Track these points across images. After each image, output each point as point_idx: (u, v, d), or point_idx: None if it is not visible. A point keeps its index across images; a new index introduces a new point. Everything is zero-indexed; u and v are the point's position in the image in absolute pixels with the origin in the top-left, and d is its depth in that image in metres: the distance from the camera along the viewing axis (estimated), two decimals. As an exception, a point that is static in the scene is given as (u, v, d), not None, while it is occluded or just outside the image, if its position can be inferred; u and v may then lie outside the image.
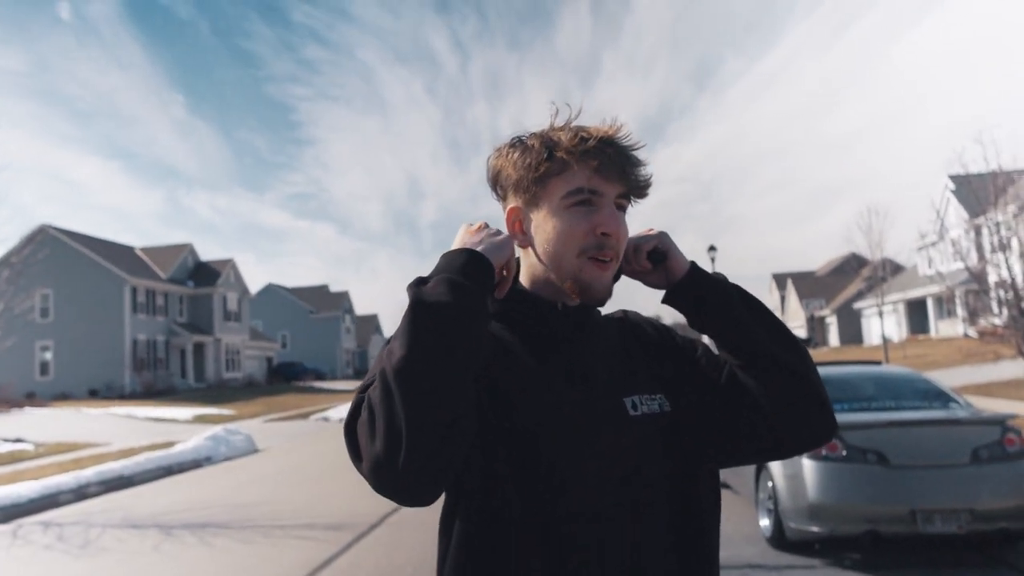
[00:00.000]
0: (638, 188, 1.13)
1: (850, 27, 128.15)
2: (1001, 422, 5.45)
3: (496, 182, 1.19)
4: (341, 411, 23.90)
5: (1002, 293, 10.27)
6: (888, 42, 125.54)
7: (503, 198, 1.20)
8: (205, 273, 45.88)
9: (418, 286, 0.99)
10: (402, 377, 0.91)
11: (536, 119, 1.20)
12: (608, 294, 1.16)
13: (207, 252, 56.11)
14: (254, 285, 54.59)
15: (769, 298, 72.42)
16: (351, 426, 0.96)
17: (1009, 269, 10.06)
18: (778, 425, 1.15)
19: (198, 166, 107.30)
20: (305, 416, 24.61)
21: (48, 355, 37.92)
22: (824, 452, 5.34)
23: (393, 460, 0.89)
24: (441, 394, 0.91)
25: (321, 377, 54.25)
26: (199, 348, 44.00)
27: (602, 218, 1.10)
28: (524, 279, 1.20)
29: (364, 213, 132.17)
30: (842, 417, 5.73)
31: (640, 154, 1.13)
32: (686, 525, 1.14)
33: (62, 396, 34.37)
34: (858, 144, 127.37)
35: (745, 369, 1.16)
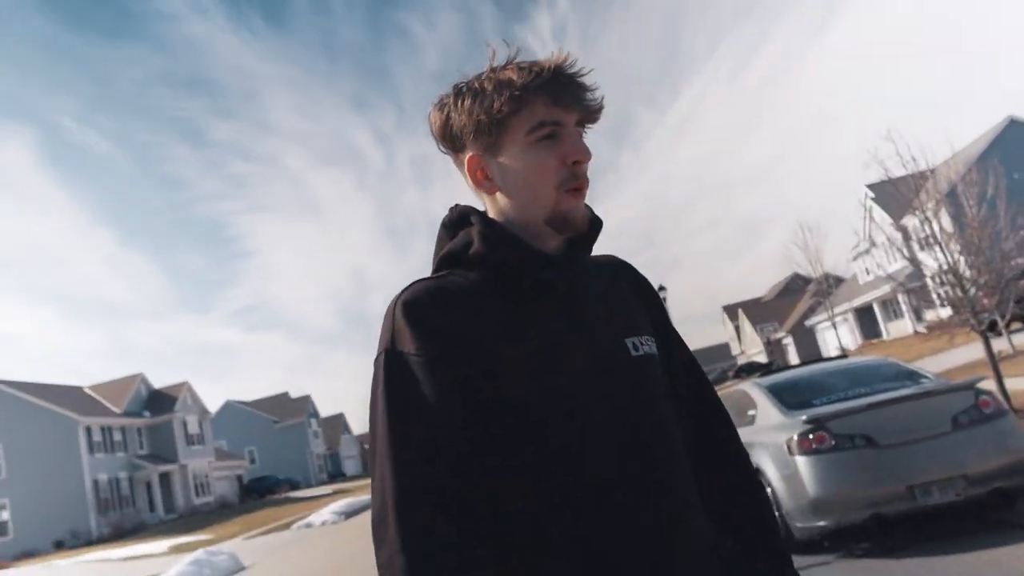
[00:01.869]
0: (592, 113, 1.11)
1: (750, 61, 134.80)
2: (971, 387, 5.64)
3: (445, 135, 1.13)
4: (323, 515, 23.11)
5: (943, 278, 10.66)
6: (788, 67, 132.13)
7: (458, 150, 1.14)
8: (160, 400, 44.54)
9: None
10: None
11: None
12: (586, 222, 1.13)
13: (159, 379, 54.62)
14: (212, 404, 53.22)
15: (724, 330, 73.42)
16: None
17: (948, 255, 10.48)
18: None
19: (136, 297, 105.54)
20: (286, 526, 23.68)
21: (4, 514, 35.96)
22: (813, 446, 5.44)
23: None
24: None
25: (295, 487, 52.53)
26: (165, 478, 42.32)
27: (570, 147, 1.08)
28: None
29: (313, 315, 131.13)
30: (823, 409, 5.85)
31: (589, 79, 1.10)
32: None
33: (25, 555, 32.37)
34: (778, 168, 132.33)
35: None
